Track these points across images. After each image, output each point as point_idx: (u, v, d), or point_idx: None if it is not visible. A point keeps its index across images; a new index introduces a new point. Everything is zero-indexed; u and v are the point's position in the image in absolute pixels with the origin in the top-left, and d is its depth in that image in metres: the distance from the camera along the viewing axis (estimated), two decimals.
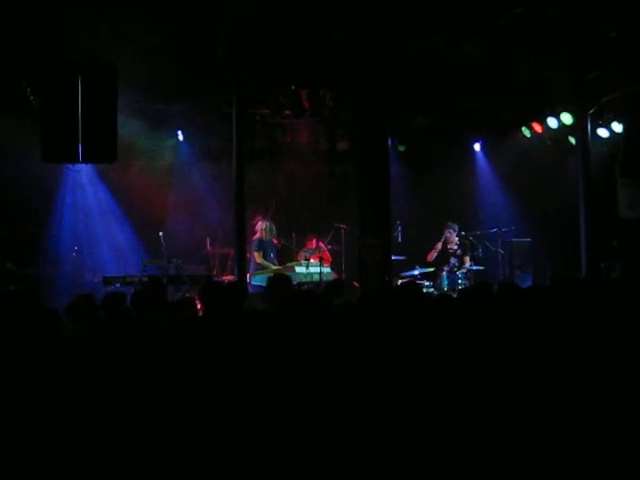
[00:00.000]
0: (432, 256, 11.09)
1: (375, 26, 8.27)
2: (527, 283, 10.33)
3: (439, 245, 11.15)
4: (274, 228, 10.66)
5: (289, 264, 10.46)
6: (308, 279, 9.95)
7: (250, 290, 9.40)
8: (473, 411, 2.66)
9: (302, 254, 10.94)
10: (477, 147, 13.06)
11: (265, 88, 10.24)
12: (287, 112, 11.06)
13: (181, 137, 11.56)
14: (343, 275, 10.55)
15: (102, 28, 7.91)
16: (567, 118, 10.98)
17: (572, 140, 10.98)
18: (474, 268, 11.02)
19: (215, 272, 10.80)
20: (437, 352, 3.26)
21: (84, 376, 3.00)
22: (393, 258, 9.48)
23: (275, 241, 10.66)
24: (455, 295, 8.60)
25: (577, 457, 2.44)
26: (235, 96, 8.85)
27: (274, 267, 10.30)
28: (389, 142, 10.33)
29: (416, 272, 10.74)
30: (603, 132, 11.12)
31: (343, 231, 10.67)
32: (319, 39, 8.60)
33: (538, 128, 11.75)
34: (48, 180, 10.31)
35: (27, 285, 9.55)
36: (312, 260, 10.40)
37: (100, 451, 2.37)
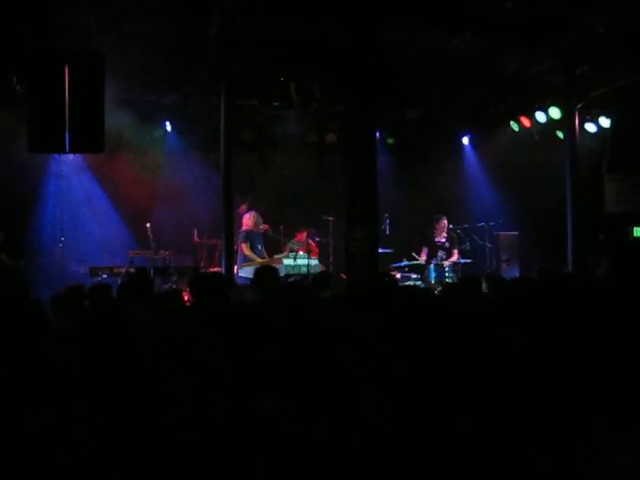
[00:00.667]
0: (423, 258, 11.10)
1: (366, 19, 8.25)
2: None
3: (425, 249, 11.16)
4: (260, 218, 10.62)
5: (277, 256, 10.45)
6: (296, 271, 9.94)
7: (238, 282, 9.38)
8: (470, 409, 2.67)
9: (289, 246, 10.93)
10: (466, 141, 13.08)
11: (254, 80, 10.20)
12: (275, 104, 11.04)
13: (169, 128, 11.50)
14: (330, 267, 10.55)
15: (91, 18, 7.86)
16: (555, 112, 11.01)
17: (560, 135, 11.02)
18: (462, 261, 11.05)
19: (202, 263, 10.77)
20: (426, 347, 3.26)
21: (74, 371, 2.98)
22: (380, 250, 9.48)
23: (266, 226, 10.60)
24: (440, 288, 8.61)
25: (576, 456, 2.45)
26: (224, 87, 8.81)
27: (261, 260, 10.27)
28: (378, 135, 10.32)
29: (403, 264, 10.75)
30: (591, 127, 11.18)
31: (331, 223, 10.66)
32: (309, 31, 8.58)
33: (526, 122, 11.78)
34: (33, 170, 10.22)
35: (14, 277, 9.48)
36: (300, 252, 10.39)
37: (94, 447, 2.36)
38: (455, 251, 11.14)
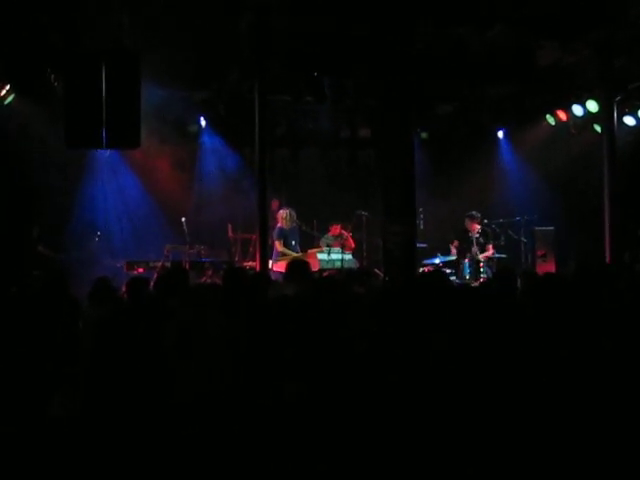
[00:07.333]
0: (454, 252, 11.03)
1: (399, 13, 8.21)
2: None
3: (456, 243, 11.08)
4: (294, 214, 10.62)
5: (310, 251, 10.46)
6: (329, 266, 9.94)
7: (273, 277, 9.40)
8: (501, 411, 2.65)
9: (323, 241, 10.92)
10: (500, 135, 12.95)
11: (287, 75, 10.21)
12: (308, 99, 11.04)
13: (204, 123, 11.59)
14: (364, 262, 10.53)
15: (125, 15, 7.93)
16: (593, 106, 10.83)
17: (598, 128, 10.83)
18: (496, 256, 10.95)
19: (237, 258, 10.83)
20: (455, 343, 3.24)
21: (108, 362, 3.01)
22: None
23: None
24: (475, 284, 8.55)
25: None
26: (257, 83, 8.84)
27: (295, 254, 10.27)
28: None
29: (437, 260, 10.70)
30: (629, 120, 10.98)
31: (364, 218, 10.64)
32: (343, 26, 8.56)
33: (563, 116, 11.62)
34: (72, 165, 10.39)
35: (52, 270, 9.62)
36: (334, 247, 10.39)
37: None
38: (490, 246, 11.04)
